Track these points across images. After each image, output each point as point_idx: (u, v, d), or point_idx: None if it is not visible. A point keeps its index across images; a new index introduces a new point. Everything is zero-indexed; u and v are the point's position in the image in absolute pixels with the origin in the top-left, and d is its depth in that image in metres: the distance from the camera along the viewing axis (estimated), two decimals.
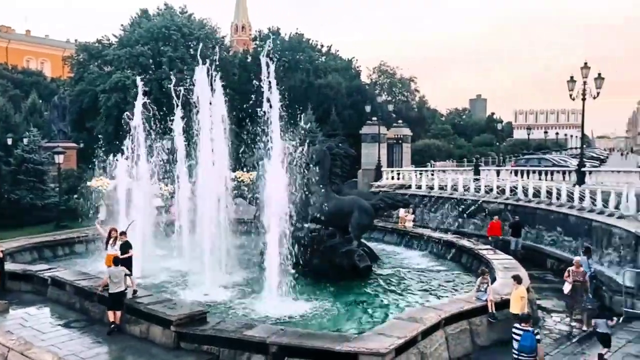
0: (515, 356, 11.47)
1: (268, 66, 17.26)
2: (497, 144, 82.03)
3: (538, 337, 11.48)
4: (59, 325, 14.61)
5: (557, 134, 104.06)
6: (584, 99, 28.95)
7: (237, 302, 16.94)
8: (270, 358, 11.76)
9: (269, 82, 17.29)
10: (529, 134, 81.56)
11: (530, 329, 11.50)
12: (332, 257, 19.91)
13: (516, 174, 34.70)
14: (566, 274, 16.53)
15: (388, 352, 11.17)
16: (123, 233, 16.09)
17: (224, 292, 17.85)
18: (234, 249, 21.06)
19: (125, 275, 14.50)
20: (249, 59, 71.81)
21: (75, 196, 41.09)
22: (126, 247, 15.90)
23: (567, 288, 16.33)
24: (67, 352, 12.27)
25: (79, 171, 50.14)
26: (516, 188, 29.37)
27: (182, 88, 22.92)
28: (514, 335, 11.61)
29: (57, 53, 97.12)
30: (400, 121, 54.82)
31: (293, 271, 17.13)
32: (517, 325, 11.78)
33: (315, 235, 21.04)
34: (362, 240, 22.07)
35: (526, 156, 50.72)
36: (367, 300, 17.64)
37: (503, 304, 14.65)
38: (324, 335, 12.76)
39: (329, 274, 19.38)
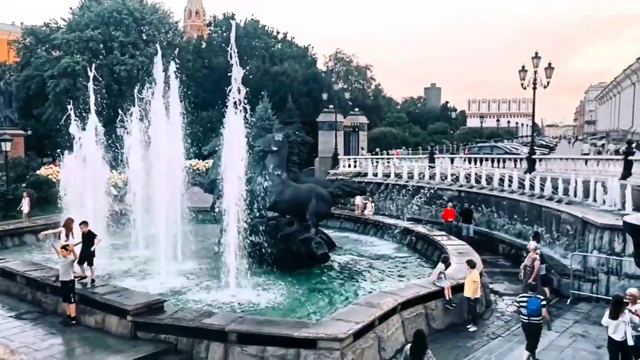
0: (526, 321, 12.40)
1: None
2: (451, 132, 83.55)
3: (543, 302, 12.46)
4: (10, 317, 14.19)
5: (508, 122, 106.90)
6: (534, 88, 29.82)
7: (194, 290, 16.83)
8: (229, 345, 11.77)
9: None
10: (481, 122, 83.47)
11: (533, 294, 12.49)
12: (290, 245, 19.95)
13: (469, 162, 35.51)
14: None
15: (346, 336, 11.34)
16: (84, 223, 15.55)
17: (181, 281, 17.70)
18: (191, 237, 20.82)
19: (88, 265, 14.28)
20: (204, 45, 70.73)
21: (24, 185, 39.78)
22: (91, 236, 15.40)
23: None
24: (20, 344, 11.96)
25: (27, 159, 48.51)
26: (469, 175, 30.07)
27: (134, 73, 22.46)
28: (519, 305, 12.62)
29: (1, 37, 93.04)
30: (356, 109, 55.23)
31: (251, 259, 17.14)
32: (520, 296, 12.86)
33: (273, 223, 21.02)
34: (320, 227, 22.22)
35: (479, 144, 51.96)
36: (325, 286, 17.82)
37: (457, 288, 15.05)
38: (282, 322, 12.83)
39: (287, 262, 19.40)
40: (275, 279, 18.07)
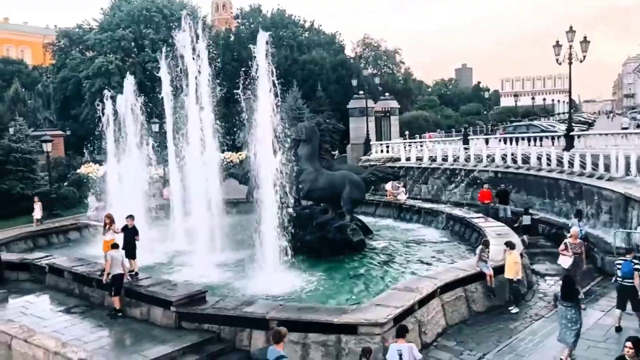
0: (620, 281, 13.25)
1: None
2: (485, 112, 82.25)
3: (637, 266, 13.03)
4: (60, 311, 14.70)
5: (544, 99, 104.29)
6: (570, 63, 29.05)
7: (233, 280, 17.07)
8: (271, 333, 11.93)
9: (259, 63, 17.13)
10: (516, 101, 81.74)
11: (628, 258, 13.22)
12: (326, 233, 20.02)
13: (505, 142, 34.93)
14: (562, 246, 15.76)
15: (387, 321, 11.39)
16: (130, 217, 16.04)
17: (219, 272, 17.98)
18: (227, 228, 21.14)
19: (129, 258, 14.66)
20: (232, 38, 71.06)
21: (66, 184, 40.91)
22: (135, 230, 15.90)
23: (567, 262, 15.46)
24: (70, 337, 12.36)
25: (67, 159, 49.86)
26: (506, 156, 29.60)
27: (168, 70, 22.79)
28: (616, 268, 13.45)
29: (37, 40, 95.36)
30: (387, 94, 54.74)
31: (287, 248, 17.29)
32: (619, 259, 13.66)
33: (308, 212, 21.12)
34: (355, 214, 22.24)
35: (514, 123, 50.99)
36: (362, 273, 17.85)
37: (498, 270, 14.90)
38: (322, 308, 12.96)
39: (323, 250, 19.54)
40: (312, 267, 18.19)
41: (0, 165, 40.35)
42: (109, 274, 14.20)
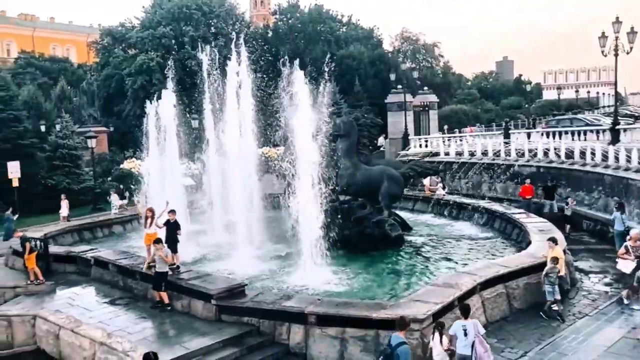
0: None
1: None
2: (526, 106, 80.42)
3: None
4: (105, 303, 15.14)
5: (588, 92, 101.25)
6: (616, 55, 28.14)
7: (271, 274, 17.25)
8: (309, 327, 12.03)
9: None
10: (559, 94, 79.62)
11: None
12: (364, 228, 20.00)
13: (548, 136, 34.12)
14: (623, 250, 14.80)
15: (425, 317, 11.31)
16: (172, 211, 16.42)
17: (258, 265, 18.16)
18: (266, 223, 21.34)
19: (173, 251, 15.11)
20: (270, 34, 71.47)
21: (109, 179, 42.01)
22: (177, 225, 16.26)
23: (629, 266, 14.39)
24: (115, 328, 12.73)
25: (110, 154, 51.20)
26: (548, 150, 28.92)
27: (206, 66, 23.08)
28: None
29: (81, 39, 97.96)
30: (425, 88, 54.15)
31: (325, 243, 17.34)
32: None
33: (346, 207, 21.14)
34: (393, 209, 22.13)
35: (557, 117, 49.73)
36: (400, 268, 17.78)
37: (540, 267, 14.59)
38: (360, 303, 12.96)
39: (361, 245, 19.53)
40: (350, 262, 18.22)
41: (48, 160, 41.86)
42: (152, 266, 14.51)
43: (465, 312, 10.67)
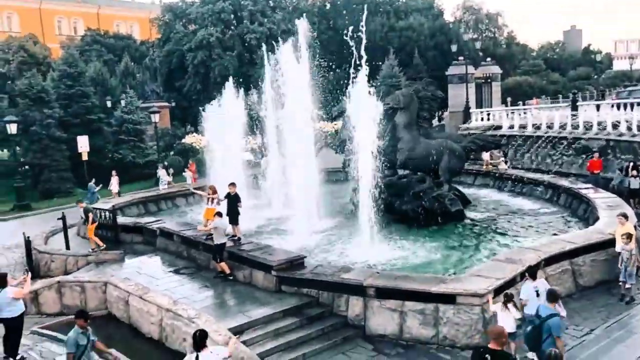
0: None
1: None
2: (595, 77, 76.65)
3: None
4: (170, 272, 15.71)
5: None
6: None
7: (330, 247, 17.34)
8: (368, 300, 12.08)
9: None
10: (631, 64, 75.44)
11: None
12: (423, 202, 19.77)
13: (618, 108, 32.43)
14: None
15: (487, 292, 11.10)
16: (232, 184, 16.66)
17: (317, 238, 18.32)
18: (324, 197, 21.43)
19: (232, 224, 15.45)
20: (327, 6, 70.82)
21: (172, 153, 43.28)
22: (237, 197, 16.57)
23: None
24: (180, 296, 13.19)
25: (172, 129, 52.59)
26: (619, 122, 27.53)
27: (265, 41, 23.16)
28: None
29: (143, 15, 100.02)
30: (488, 59, 52.50)
31: (384, 217, 17.27)
32: None
33: (405, 181, 20.93)
34: (453, 184, 21.74)
35: (629, 88, 47.15)
36: (461, 243, 17.48)
37: (608, 243, 14.04)
38: (419, 277, 12.87)
39: (420, 219, 19.33)
40: (409, 236, 18.09)
41: (115, 135, 43.49)
42: (210, 235, 14.89)
43: (534, 274, 10.85)
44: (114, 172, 29.40)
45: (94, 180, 27.86)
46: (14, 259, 20.97)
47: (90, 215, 18.33)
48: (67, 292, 14.49)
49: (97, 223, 18.63)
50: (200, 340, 8.29)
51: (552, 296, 9.53)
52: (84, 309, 9.90)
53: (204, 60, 55.57)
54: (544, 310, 9.20)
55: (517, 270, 12.18)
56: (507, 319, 10.03)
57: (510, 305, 10.09)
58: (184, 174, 31.76)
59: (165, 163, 33.47)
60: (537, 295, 10.36)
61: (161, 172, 28.84)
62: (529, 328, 9.36)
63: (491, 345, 7.65)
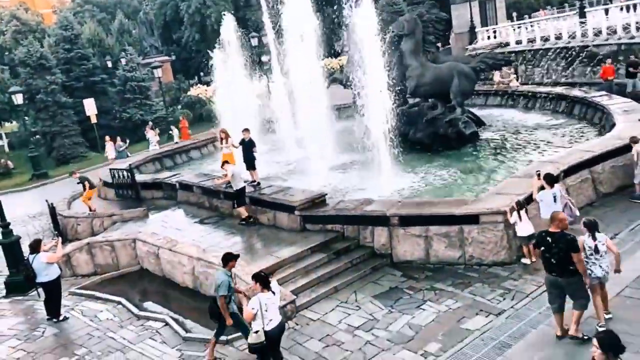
0: None
1: None
2: None
3: None
4: (195, 222, 16.00)
5: None
6: None
7: (347, 183, 17.40)
8: (393, 229, 12.26)
9: None
10: None
11: None
12: (437, 128, 19.61)
13: (628, 10, 31.38)
14: None
15: (509, 209, 11.21)
16: (246, 130, 16.60)
17: (333, 176, 18.37)
18: (336, 134, 21.38)
19: (249, 170, 15.68)
20: None
21: (179, 107, 43.08)
22: (252, 143, 16.52)
23: None
24: (208, 245, 13.48)
25: (176, 82, 52.13)
26: (629, 25, 26.73)
27: None
28: None
29: None
30: None
31: (399, 147, 17.24)
32: None
33: (416, 110, 20.72)
34: (465, 107, 21.49)
35: None
36: (478, 165, 17.49)
37: (624, 149, 13.96)
38: (441, 201, 13.01)
39: (435, 145, 19.30)
40: (426, 164, 18.12)
41: (120, 95, 43.34)
42: (229, 184, 14.99)
43: (552, 180, 11.02)
44: (107, 138, 29.04)
45: (119, 139, 28.06)
46: (40, 226, 21.51)
47: (86, 182, 19.00)
48: (98, 252, 14.89)
49: (94, 189, 19.72)
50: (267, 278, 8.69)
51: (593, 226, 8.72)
52: (230, 252, 9.64)
53: (199, 8, 54.32)
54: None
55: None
56: (523, 225, 10.92)
57: (522, 212, 10.94)
58: (170, 132, 31.26)
59: (150, 123, 32.84)
60: (555, 200, 10.74)
61: (150, 133, 28.63)
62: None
63: (551, 229, 8.36)
